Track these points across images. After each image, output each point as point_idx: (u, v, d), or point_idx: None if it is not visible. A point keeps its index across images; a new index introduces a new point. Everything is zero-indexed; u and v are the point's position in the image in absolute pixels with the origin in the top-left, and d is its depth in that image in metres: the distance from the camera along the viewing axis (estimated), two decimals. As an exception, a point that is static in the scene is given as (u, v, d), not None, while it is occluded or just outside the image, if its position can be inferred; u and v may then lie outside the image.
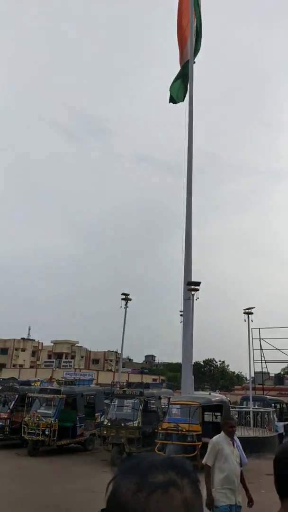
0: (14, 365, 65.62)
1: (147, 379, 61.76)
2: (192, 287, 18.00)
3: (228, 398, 27.88)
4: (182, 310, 18.76)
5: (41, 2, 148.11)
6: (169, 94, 21.37)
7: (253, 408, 20.21)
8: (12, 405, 15.80)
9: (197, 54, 21.85)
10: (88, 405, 17.05)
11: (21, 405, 15.79)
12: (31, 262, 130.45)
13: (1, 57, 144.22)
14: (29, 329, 77.35)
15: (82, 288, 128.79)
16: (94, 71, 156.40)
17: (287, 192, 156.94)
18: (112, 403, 14.84)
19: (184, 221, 18.78)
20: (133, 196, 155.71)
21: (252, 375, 25.72)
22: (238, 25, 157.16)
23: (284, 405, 26.05)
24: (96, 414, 16.71)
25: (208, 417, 15.02)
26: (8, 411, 15.62)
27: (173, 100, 21.36)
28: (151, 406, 15.72)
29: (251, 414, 19.62)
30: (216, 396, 16.66)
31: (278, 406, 25.34)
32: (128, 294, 20.12)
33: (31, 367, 63.61)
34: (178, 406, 13.71)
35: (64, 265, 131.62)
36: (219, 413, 14.58)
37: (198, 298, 18.12)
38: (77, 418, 15.56)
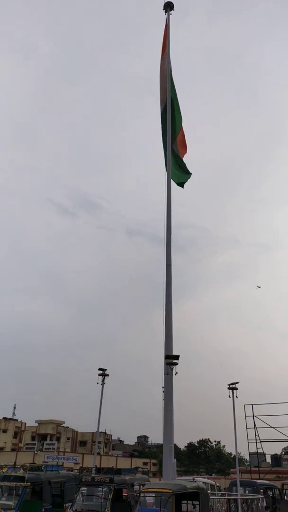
0: (-6, 448, 61.48)
1: (138, 462, 57.80)
2: (171, 360, 17.38)
3: (217, 484, 25.87)
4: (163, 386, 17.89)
5: (43, 88, 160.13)
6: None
7: (240, 495, 18.53)
8: (-29, 496, 14.39)
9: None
10: (58, 494, 15.60)
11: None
12: (15, 335, 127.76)
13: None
14: (14, 407, 73.50)
15: (71, 364, 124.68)
16: (86, 150, 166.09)
17: (277, 263, 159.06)
18: (81, 492, 13.53)
19: (164, 293, 18.44)
20: (124, 268, 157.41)
21: (247, 456, 23.96)
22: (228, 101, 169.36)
23: (277, 491, 23.96)
24: (66, 505, 15.19)
25: (186, 506, 13.66)
26: None
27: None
28: (124, 494, 14.33)
29: (239, 502, 17.93)
30: (195, 482, 15.27)
31: (270, 492, 23.30)
32: (105, 369, 19.22)
33: (13, 450, 59.47)
34: (151, 494, 12.47)
35: (49, 340, 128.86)
36: (197, 502, 13.27)
37: (177, 373, 17.41)
38: (43, 510, 14.11)
